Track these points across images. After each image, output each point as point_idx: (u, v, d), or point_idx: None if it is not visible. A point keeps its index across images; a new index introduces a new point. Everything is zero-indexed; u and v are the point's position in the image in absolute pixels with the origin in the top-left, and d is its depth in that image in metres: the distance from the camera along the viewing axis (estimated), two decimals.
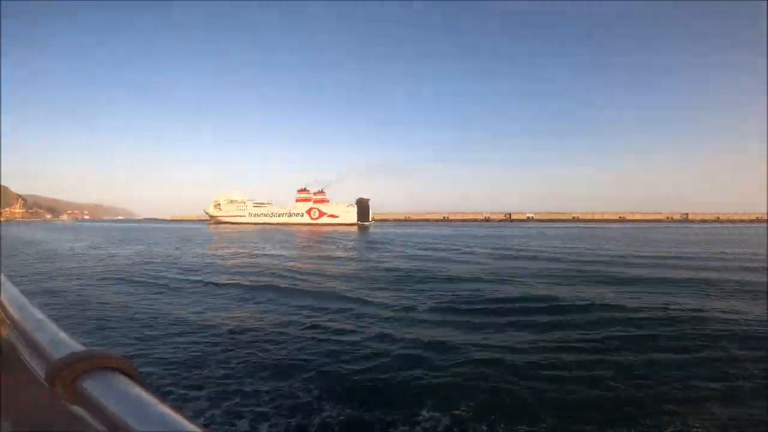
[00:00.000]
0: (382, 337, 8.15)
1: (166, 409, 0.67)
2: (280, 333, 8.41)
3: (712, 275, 15.58)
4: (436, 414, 5.11)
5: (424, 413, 5.12)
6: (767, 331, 8.37)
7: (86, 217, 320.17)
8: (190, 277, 15.86)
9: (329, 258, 24.09)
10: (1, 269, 1.65)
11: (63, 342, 0.90)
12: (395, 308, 10.59)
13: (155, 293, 12.71)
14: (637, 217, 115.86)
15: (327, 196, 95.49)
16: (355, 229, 72.36)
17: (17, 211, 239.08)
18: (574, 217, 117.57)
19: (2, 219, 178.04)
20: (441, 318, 9.73)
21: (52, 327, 1.00)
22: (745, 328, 8.64)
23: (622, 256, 22.57)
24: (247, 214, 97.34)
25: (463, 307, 10.74)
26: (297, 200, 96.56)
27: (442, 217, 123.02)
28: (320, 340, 7.96)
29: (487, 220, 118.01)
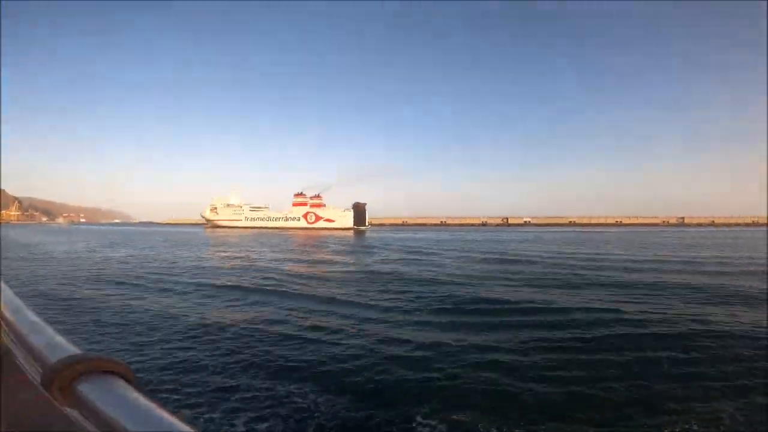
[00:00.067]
0: (372, 338, 8.19)
1: (163, 413, 0.66)
2: (275, 335, 8.45)
3: (705, 279, 15.65)
4: (432, 418, 5.11)
5: (419, 418, 5.13)
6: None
7: (82, 220, 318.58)
8: (183, 280, 15.84)
9: (322, 262, 24.20)
10: None
11: (59, 345, 0.90)
12: (384, 310, 10.74)
13: (149, 296, 12.67)
14: (633, 221, 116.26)
15: (324, 201, 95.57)
16: (351, 233, 72.40)
17: (13, 213, 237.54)
18: (571, 222, 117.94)
19: None
20: (430, 319, 9.79)
21: (49, 330, 1.00)
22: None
23: (624, 260, 22.63)
24: (243, 218, 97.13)
25: (450, 307, 10.98)
26: (293, 204, 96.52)
27: (439, 222, 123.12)
28: (314, 342, 7.97)
29: (485, 224, 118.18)
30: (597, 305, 11.05)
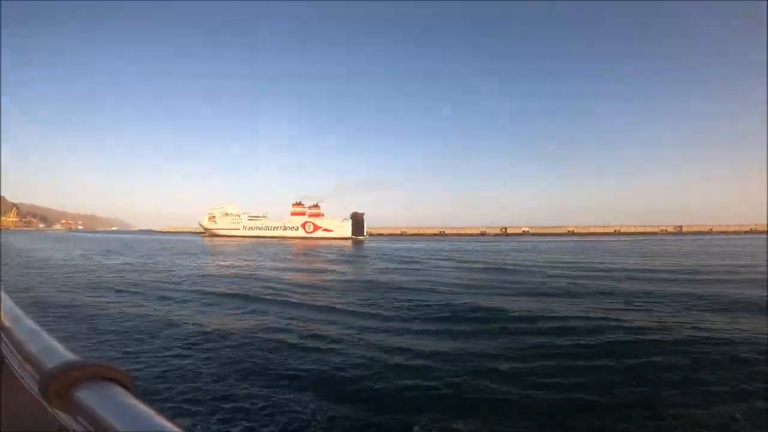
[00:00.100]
0: (371, 347, 8.25)
1: (160, 420, 0.66)
2: (273, 343, 8.48)
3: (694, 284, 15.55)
4: (431, 427, 5.11)
5: (417, 428, 5.11)
6: None
7: (80, 227, 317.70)
8: (181, 288, 15.89)
9: (319, 271, 24.32)
10: None
11: (57, 352, 0.89)
12: (383, 319, 10.86)
13: (147, 304, 12.65)
14: (631, 230, 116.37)
15: (322, 210, 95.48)
16: (349, 243, 72.27)
17: (11, 219, 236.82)
18: (569, 231, 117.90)
19: None
20: (428, 328, 9.83)
21: (46, 337, 1.00)
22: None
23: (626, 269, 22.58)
24: (241, 227, 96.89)
25: (447, 316, 11.07)
26: (292, 213, 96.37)
27: (438, 232, 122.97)
28: (313, 350, 7.99)
29: (483, 234, 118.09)
30: (595, 314, 11.04)
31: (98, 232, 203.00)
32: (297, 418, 5.27)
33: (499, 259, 30.50)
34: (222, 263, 28.20)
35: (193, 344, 8.38)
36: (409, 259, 31.96)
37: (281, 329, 9.82)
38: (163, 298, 13.93)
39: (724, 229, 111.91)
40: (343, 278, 20.61)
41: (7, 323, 1.14)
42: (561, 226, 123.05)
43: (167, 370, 6.82)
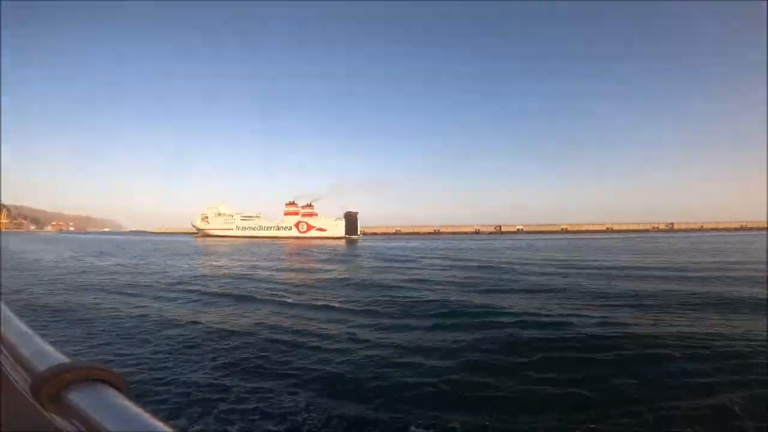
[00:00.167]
0: (365, 344, 8.32)
1: (153, 421, 0.65)
2: (266, 341, 8.49)
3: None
4: (426, 424, 5.11)
5: (413, 428, 5.12)
6: None
7: (71, 228, 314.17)
8: (174, 289, 15.85)
9: (312, 270, 24.34)
10: None
11: (48, 354, 0.89)
12: (375, 315, 11.05)
13: (140, 304, 12.57)
14: (623, 227, 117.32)
15: (316, 210, 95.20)
16: (343, 242, 72.12)
17: (1, 221, 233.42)
18: (563, 229, 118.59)
19: None
20: (421, 324, 9.89)
21: (37, 339, 0.99)
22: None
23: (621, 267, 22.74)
24: (234, 228, 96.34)
25: (444, 312, 11.17)
26: (285, 213, 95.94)
27: (432, 230, 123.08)
28: (307, 348, 8.02)
29: (477, 232, 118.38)
30: (588, 312, 11.13)
31: (89, 233, 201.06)
32: (292, 417, 5.26)
33: (493, 257, 30.54)
34: (215, 263, 28.11)
35: (186, 345, 8.34)
36: (402, 258, 31.96)
37: (273, 326, 9.85)
38: (156, 298, 13.90)
39: (714, 226, 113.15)
40: (333, 276, 20.65)
41: None
42: (555, 224, 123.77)
43: (160, 371, 6.78)
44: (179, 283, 17.96)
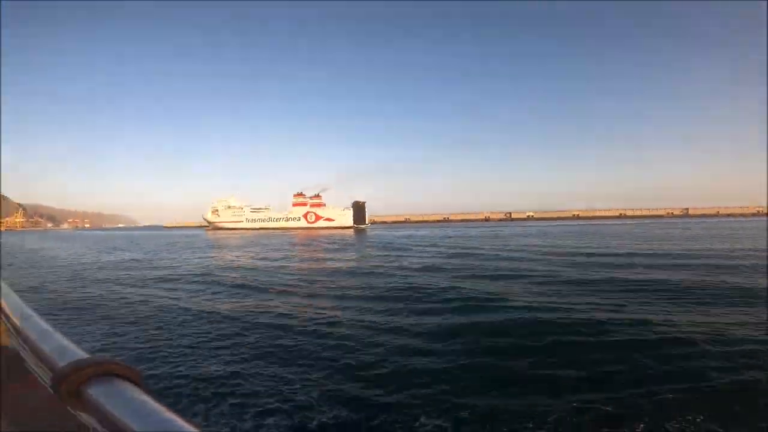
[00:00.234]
0: (378, 332, 8.28)
1: (172, 416, 0.66)
2: (280, 330, 8.58)
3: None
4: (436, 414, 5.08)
5: (423, 419, 5.11)
6: None
7: (87, 225, 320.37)
8: (188, 281, 16.12)
9: (321, 260, 24.51)
10: (2, 279, 1.68)
11: (68, 350, 0.91)
12: (387, 301, 11.12)
13: (156, 297, 12.85)
14: (637, 213, 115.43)
15: (324, 200, 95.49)
16: (351, 232, 72.27)
17: (18, 220, 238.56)
18: (574, 215, 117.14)
19: (2, 228, 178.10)
20: (433, 308, 9.85)
21: (57, 335, 1.01)
22: None
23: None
24: (244, 220, 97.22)
25: (455, 298, 10.98)
26: (293, 204, 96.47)
27: (442, 218, 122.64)
28: (321, 336, 8.08)
29: (487, 219, 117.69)
30: (598, 301, 11.17)
31: (105, 229, 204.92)
32: (303, 403, 5.29)
33: (503, 245, 30.26)
34: (227, 256, 28.44)
35: (202, 336, 8.46)
36: (409, 246, 31.88)
37: (288, 314, 10.04)
38: (172, 290, 14.24)
39: (730, 211, 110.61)
40: (342, 265, 20.82)
41: (18, 322, 1.18)
42: (566, 210, 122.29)
43: (178, 364, 6.87)
44: (192, 275, 18.20)
